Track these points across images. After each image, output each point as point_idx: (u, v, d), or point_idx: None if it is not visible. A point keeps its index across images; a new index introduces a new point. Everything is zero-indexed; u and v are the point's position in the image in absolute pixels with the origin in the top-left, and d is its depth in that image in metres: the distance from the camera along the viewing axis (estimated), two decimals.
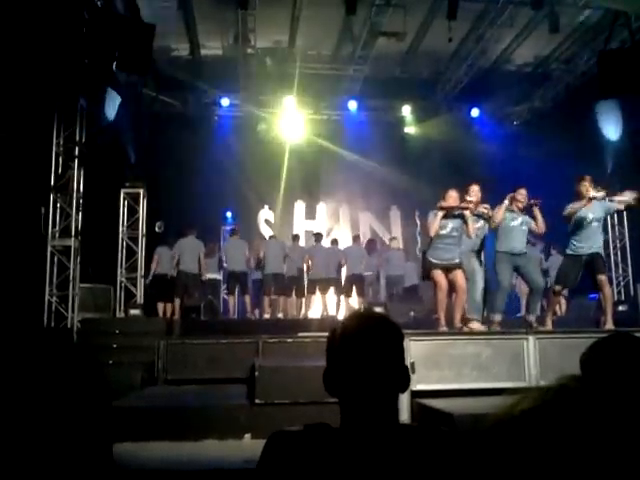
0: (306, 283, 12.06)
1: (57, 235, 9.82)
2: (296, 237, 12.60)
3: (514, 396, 0.84)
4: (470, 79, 13.70)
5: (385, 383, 1.30)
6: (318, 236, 12.43)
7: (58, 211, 9.95)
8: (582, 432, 0.74)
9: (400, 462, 1.22)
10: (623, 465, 0.73)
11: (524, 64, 13.98)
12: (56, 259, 9.77)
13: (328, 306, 11.96)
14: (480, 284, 7.40)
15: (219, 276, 12.23)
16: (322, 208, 15.47)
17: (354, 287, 11.91)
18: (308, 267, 11.96)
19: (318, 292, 11.85)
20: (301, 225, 15.01)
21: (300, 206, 15.36)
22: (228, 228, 14.16)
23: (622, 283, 13.25)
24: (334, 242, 12.61)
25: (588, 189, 7.29)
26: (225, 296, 12.87)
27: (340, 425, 1.31)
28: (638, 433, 0.78)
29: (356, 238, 12.75)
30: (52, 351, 0.95)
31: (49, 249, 9.70)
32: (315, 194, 15.19)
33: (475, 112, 15.04)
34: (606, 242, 13.45)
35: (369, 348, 1.31)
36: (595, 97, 11.34)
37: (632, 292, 12.47)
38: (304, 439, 1.28)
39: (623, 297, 12.83)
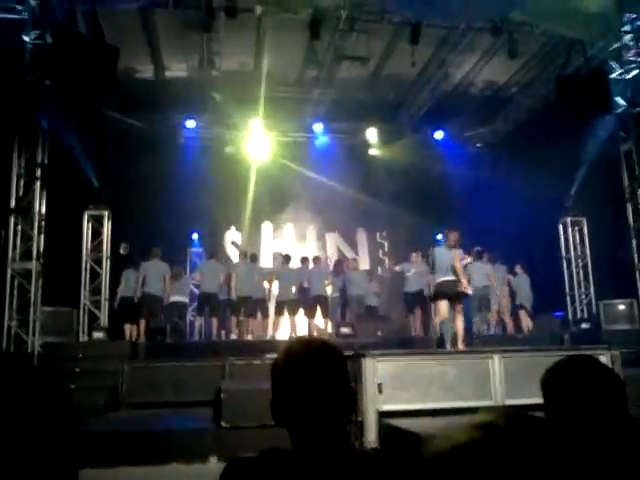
0: (273, 305, 11.98)
1: (17, 258, 9.59)
2: (254, 257, 12.42)
3: (456, 426, 0.86)
4: (433, 102, 13.96)
5: (330, 407, 1.30)
6: (287, 258, 12.31)
7: (19, 234, 9.73)
8: (505, 471, 0.77)
9: None
10: None
11: (485, 88, 14.29)
12: (16, 282, 9.53)
13: (297, 327, 11.90)
14: None
15: (186, 299, 12.07)
16: (289, 229, 15.48)
17: (318, 308, 11.85)
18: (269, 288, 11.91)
19: (287, 313, 11.81)
20: (268, 246, 14.99)
21: (267, 227, 15.35)
22: (195, 250, 14.06)
23: (584, 301, 13.50)
24: (304, 261, 12.41)
25: None
26: (192, 318, 12.72)
27: (292, 451, 1.31)
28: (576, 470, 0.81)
29: (316, 259, 12.63)
30: (11, 376, 0.93)
31: (9, 272, 9.46)
32: (282, 215, 15.21)
33: (439, 134, 15.31)
34: (568, 261, 13.79)
35: (310, 374, 1.31)
36: (556, 120, 11.68)
37: (594, 310, 12.70)
38: (260, 465, 1.28)
39: (586, 315, 13.07)
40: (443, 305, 8.17)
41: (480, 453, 0.79)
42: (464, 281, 8.24)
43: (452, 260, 8.16)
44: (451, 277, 8.15)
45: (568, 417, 1.46)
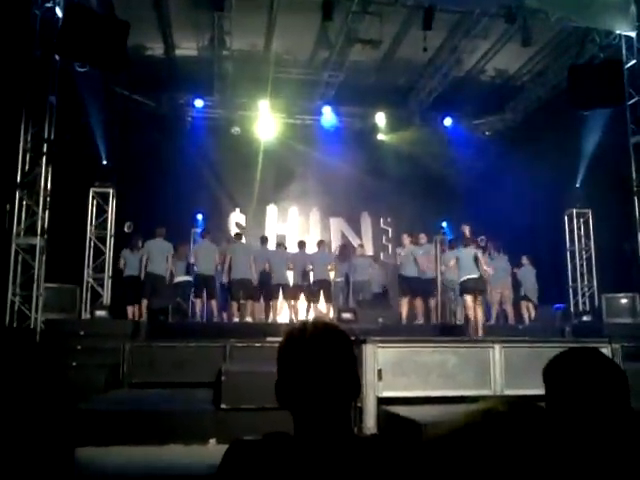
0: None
1: (22, 233, 9.58)
2: (264, 240, 12.35)
3: (455, 413, 0.86)
4: (444, 89, 13.84)
5: (335, 391, 1.30)
6: (279, 242, 12.49)
7: (24, 209, 9.72)
8: (501, 455, 0.76)
9: (352, 473, 1.22)
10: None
11: (497, 75, 14.17)
12: (20, 258, 9.53)
13: (298, 311, 11.90)
14: None
15: (190, 278, 12.03)
16: (294, 212, 15.45)
17: (321, 292, 11.84)
18: (267, 271, 11.85)
19: (282, 297, 11.80)
20: (273, 229, 14.96)
21: (272, 209, 15.31)
22: (199, 231, 14.01)
23: (587, 294, 13.46)
24: (301, 245, 12.43)
25: None
26: (193, 299, 12.71)
27: (295, 435, 1.30)
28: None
29: (320, 243, 12.57)
30: (13, 351, 0.92)
31: (13, 247, 9.46)
32: (287, 198, 15.16)
33: (448, 121, 15.22)
34: (572, 253, 13.75)
35: (316, 357, 1.30)
36: (565, 110, 11.56)
37: (597, 303, 12.67)
38: (263, 448, 1.28)
39: (588, 308, 13.04)
40: (469, 299, 9.42)
41: (478, 436, 0.78)
42: (487, 278, 9.67)
43: (473, 258, 9.46)
44: (475, 275, 9.40)
45: (570, 408, 1.46)
